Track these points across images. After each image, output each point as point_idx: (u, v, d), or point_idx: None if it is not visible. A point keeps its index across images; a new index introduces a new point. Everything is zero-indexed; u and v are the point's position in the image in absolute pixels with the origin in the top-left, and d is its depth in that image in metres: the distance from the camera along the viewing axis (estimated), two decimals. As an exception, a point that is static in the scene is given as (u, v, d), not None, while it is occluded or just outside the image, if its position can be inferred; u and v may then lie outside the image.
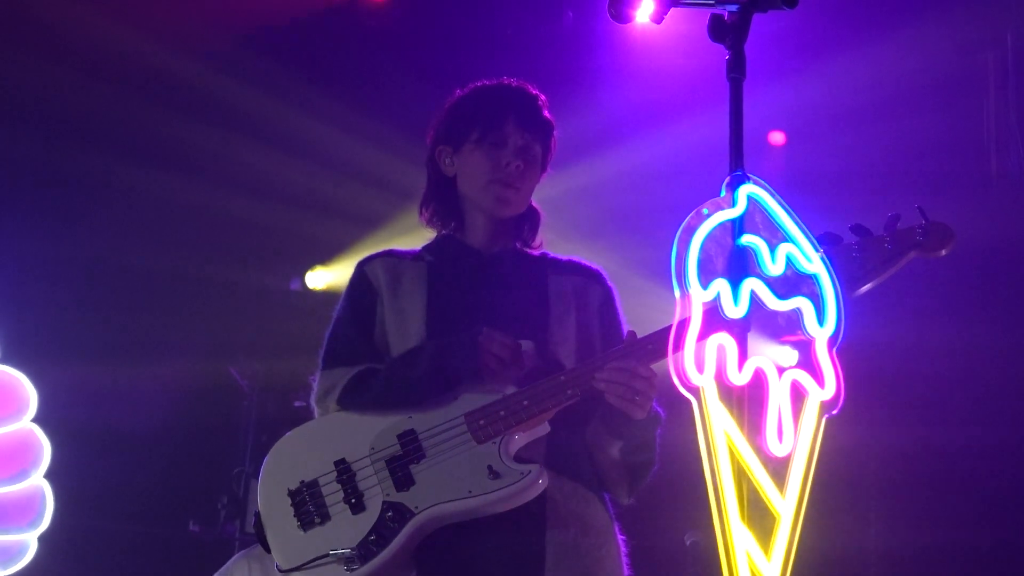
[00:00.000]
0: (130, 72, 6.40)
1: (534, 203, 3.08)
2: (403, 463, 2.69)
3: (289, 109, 6.74)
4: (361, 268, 3.02)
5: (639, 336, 2.70)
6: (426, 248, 3.07)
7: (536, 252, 3.07)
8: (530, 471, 2.63)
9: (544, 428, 2.70)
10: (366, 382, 2.82)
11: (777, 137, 7.01)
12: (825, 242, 2.50)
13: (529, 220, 3.07)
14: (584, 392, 2.67)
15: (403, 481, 2.67)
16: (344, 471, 2.72)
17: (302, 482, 2.73)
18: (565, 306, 2.92)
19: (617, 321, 2.98)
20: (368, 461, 2.71)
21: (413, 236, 3.17)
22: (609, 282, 3.04)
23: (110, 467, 6.66)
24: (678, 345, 2.32)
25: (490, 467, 2.63)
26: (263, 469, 2.80)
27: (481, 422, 2.68)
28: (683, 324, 2.33)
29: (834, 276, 2.37)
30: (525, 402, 2.67)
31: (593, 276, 3.03)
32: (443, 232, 3.07)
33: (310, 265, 7.53)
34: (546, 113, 3.03)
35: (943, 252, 2.59)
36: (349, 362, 2.88)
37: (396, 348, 2.88)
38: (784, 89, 6.37)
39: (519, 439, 2.68)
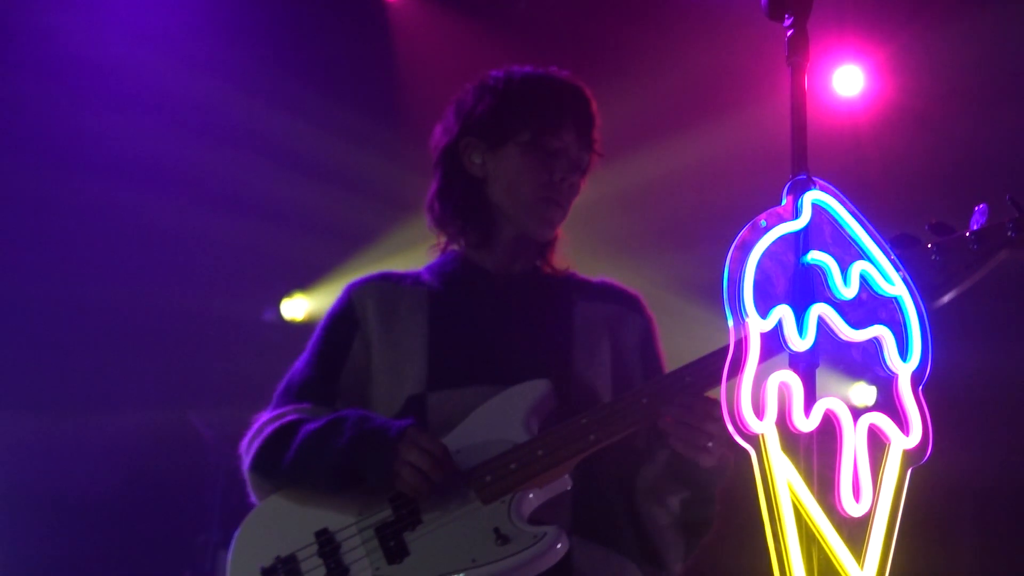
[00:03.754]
0: (69, 69, 6.42)
1: None
2: (395, 530, 2.69)
3: (261, 106, 6.73)
4: (348, 293, 3.01)
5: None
6: (429, 269, 3.04)
7: (561, 273, 3.04)
8: (545, 533, 2.61)
9: (564, 483, 2.69)
10: (283, 443, 2.79)
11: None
12: (900, 245, 2.48)
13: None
14: (610, 437, 2.65)
15: (396, 552, 2.67)
16: (326, 543, 2.72)
17: (277, 558, 2.74)
18: (595, 339, 2.90)
19: (658, 358, 2.97)
20: (355, 530, 2.71)
21: (411, 255, 3.16)
22: (649, 311, 3.02)
23: (52, 536, 6.67)
24: (733, 374, 2.30)
25: (497, 530, 2.62)
26: (233, 545, 2.81)
27: (488, 478, 2.67)
28: (736, 358, 2.31)
29: (919, 299, 2.35)
30: (539, 452, 2.66)
31: (630, 303, 3.01)
32: (451, 248, 3.05)
33: (286, 291, 7.54)
34: (597, 114, 3.01)
35: None
36: (300, 403, 2.89)
37: (388, 389, 2.87)
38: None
39: (534, 497, 2.67)
